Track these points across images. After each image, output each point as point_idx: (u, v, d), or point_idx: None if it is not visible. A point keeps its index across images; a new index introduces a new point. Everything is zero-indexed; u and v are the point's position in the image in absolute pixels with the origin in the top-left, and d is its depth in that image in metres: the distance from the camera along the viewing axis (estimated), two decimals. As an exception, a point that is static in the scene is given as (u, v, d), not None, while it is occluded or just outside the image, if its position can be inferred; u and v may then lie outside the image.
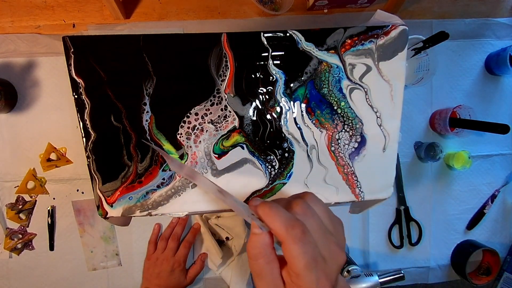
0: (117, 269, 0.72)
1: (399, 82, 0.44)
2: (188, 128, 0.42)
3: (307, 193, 0.30)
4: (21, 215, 0.69)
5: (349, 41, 0.43)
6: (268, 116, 0.43)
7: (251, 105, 0.43)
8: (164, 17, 0.68)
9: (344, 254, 0.28)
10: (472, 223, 0.76)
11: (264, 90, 0.43)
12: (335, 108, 0.44)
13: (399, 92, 0.44)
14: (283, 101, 0.43)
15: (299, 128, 0.43)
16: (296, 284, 0.25)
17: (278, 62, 0.43)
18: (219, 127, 0.43)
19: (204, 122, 0.42)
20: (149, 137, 0.42)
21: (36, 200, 0.69)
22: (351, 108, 0.44)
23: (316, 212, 0.27)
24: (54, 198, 0.70)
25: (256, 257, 0.26)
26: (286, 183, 0.44)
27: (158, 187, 0.42)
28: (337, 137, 0.44)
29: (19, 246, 0.69)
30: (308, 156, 0.44)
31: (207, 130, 0.43)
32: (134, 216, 0.44)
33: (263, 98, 0.43)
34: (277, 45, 0.42)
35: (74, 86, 0.41)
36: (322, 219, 0.27)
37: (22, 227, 0.69)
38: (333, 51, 0.43)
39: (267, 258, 0.26)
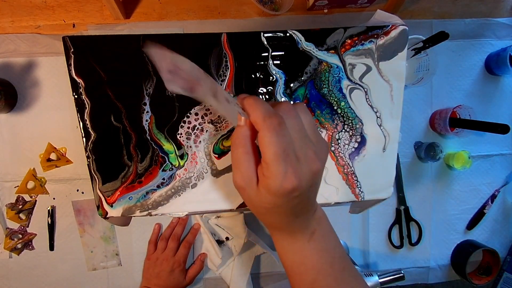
0: (117, 269, 0.72)
1: (399, 82, 0.44)
2: (188, 128, 0.42)
3: (299, 102, 0.29)
4: (21, 215, 0.69)
5: (349, 41, 0.43)
6: (268, 116, 0.43)
7: (251, 105, 0.43)
8: (164, 17, 0.68)
9: (320, 165, 0.27)
10: (472, 223, 0.76)
11: (264, 90, 0.43)
12: (335, 108, 0.44)
13: (399, 92, 0.44)
14: (283, 101, 0.43)
15: (299, 128, 0.43)
16: (265, 176, 0.25)
17: (278, 62, 0.43)
18: (219, 127, 0.43)
19: (204, 122, 0.42)
20: (149, 137, 0.42)
21: (36, 200, 0.69)
22: (351, 108, 0.44)
23: (300, 116, 0.27)
24: (54, 198, 0.70)
25: (236, 146, 0.27)
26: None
27: (158, 187, 0.42)
28: (337, 137, 0.44)
29: (19, 246, 0.69)
30: (308, 156, 0.44)
31: (207, 130, 0.43)
32: (134, 216, 0.44)
33: (263, 98, 0.43)
34: (277, 45, 0.42)
35: (74, 86, 0.41)
36: (305, 125, 0.27)
37: (22, 227, 0.69)
38: (333, 51, 0.43)
39: (245, 149, 0.27)
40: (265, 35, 0.42)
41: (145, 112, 0.42)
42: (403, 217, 0.75)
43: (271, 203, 0.27)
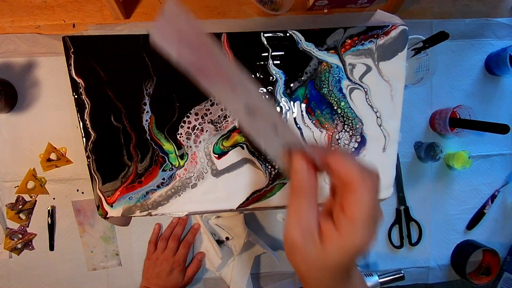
0: (117, 269, 0.72)
1: (399, 82, 0.44)
2: (188, 128, 0.42)
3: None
4: (21, 215, 0.69)
5: (349, 41, 0.43)
6: (268, 116, 0.43)
7: (251, 105, 0.43)
8: (164, 17, 0.68)
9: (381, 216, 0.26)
10: (472, 223, 0.76)
11: (264, 90, 0.43)
12: (335, 108, 0.44)
13: (399, 92, 0.44)
14: (283, 101, 0.43)
15: (299, 128, 0.43)
16: (342, 233, 0.23)
17: (278, 62, 0.43)
18: (219, 127, 0.43)
19: (204, 122, 0.42)
20: (149, 137, 0.42)
21: (36, 200, 0.69)
22: (351, 108, 0.44)
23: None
24: (54, 198, 0.70)
25: (298, 195, 0.25)
26: (286, 183, 0.44)
27: (158, 187, 0.42)
28: (337, 137, 0.44)
29: (19, 246, 0.69)
30: (308, 156, 0.44)
31: (207, 130, 0.43)
32: (134, 216, 0.44)
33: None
34: (277, 45, 0.42)
35: (74, 86, 0.41)
36: None
37: (22, 227, 0.69)
38: (333, 51, 0.43)
39: (310, 200, 0.25)
40: (265, 35, 0.42)
41: (145, 112, 0.42)
42: (403, 217, 0.75)
43: (335, 265, 0.24)
